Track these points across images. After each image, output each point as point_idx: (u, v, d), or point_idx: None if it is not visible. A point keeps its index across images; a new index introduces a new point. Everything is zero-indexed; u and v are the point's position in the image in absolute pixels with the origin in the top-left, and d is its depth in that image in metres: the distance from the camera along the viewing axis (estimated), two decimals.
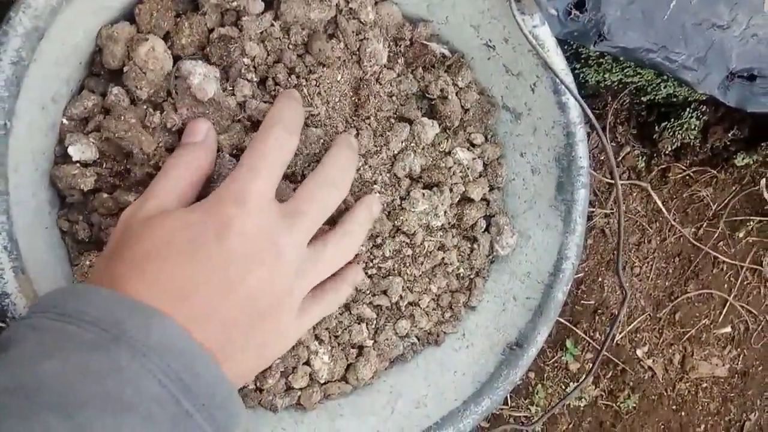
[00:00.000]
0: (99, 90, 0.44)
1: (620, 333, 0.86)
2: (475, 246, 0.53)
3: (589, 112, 0.43)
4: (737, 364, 0.92)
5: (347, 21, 0.47)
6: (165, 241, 0.34)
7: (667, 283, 0.87)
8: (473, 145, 0.53)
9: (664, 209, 0.83)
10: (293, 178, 0.45)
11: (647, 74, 0.70)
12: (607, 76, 0.70)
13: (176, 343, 0.30)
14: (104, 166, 0.43)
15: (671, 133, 0.78)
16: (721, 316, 0.90)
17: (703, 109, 0.75)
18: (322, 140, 0.45)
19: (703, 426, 0.91)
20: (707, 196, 0.86)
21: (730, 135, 0.78)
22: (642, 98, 0.76)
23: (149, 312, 0.31)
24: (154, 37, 0.42)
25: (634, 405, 0.86)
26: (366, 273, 0.49)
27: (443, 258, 0.52)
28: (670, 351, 0.89)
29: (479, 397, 0.50)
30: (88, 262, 0.42)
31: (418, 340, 0.53)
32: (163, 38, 0.43)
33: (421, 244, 0.50)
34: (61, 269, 0.42)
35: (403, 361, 0.53)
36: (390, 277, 0.50)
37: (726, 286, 0.89)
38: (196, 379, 0.30)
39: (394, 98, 0.50)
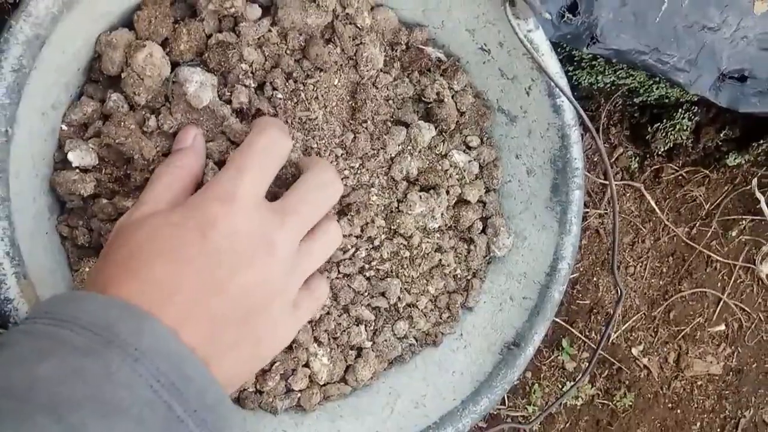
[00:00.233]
0: (98, 96, 0.44)
1: (615, 332, 0.87)
2: (472, 247, 0.54)
3: (583, 114, 0.44)
4: (731, 361, 0.93)
5: (344, 26, 0.47)
6: (148, 240, 0.34)
7: (661, 282, 0.88)
8: (469, 148, 0.53)
9: (657, 209, 0.84)
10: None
11: (640, 76, 0.71)
12: (599, 78, 0.71)
13: (167, 346, 0.30)
14: (104, 171, 0.44)
15: (664, 134, 0.78)
16: (715, 315, 0.91)
17: (695, 110, 0.76)
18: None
19: (698, 423, 0.91)
20: (700, 195, 0.87)
21: (722, 135, 0.79)
22: (635, 100, 0.76)
23: (140, 315, 0.31)
24: (152, 44, 0.42)
25: (630, 403, 0.87)
26: (364, 275, 0.50)
27: (440, 259, 0.52)
28: (665, 349, 0.90)
29: (477, 397, 0.51)
30: (87, 268, 0.43)
31: (417, 341, 0.54)
32: (161, 44, 0.43)
33: (418, 246, 0.51)
34: (61, 274, 0.43)
35: (401, 362, 0.54)
36: (388, 278, 0.51)
37: (719, 284, 0.90)
38: (187, 383, 0.30)
39: (390, 102, 0.50)
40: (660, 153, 0.81)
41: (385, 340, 0.52)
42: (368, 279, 0.50)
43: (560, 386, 0.84)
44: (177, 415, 0.29)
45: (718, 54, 0.67)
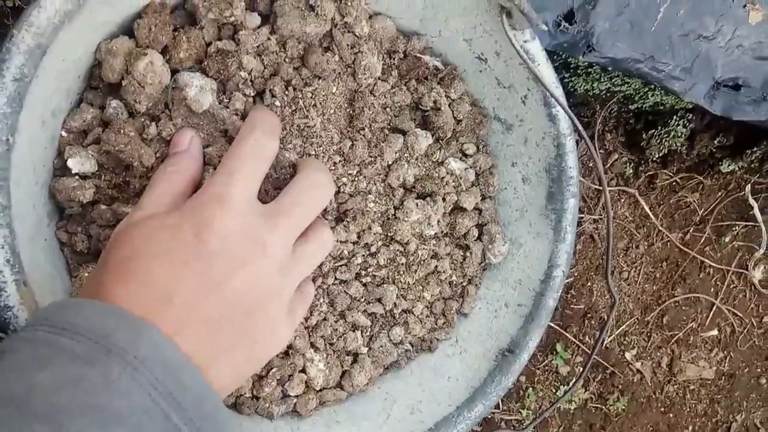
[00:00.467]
0: (97, 103, 0.44)
1: (609, 336, 0.87)
2: (468, 254, 0.54)
3: (578, 124, 0.44)
4: (724, 366, 0.93)
5: (342, 35, 0.48)
6: (144, 243, 0.34)
7: (654, 288, 0.89)
8: (466, 156, 0.54)
9: (651, 215, 0.85)
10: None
11: (635, 83, 0.72)
12: (595, 85, 0.71)
13: (164, 355, 0.30)
14: (103, 178, 0.44)
15: (658, 141, 0.79)
16: (708, 320, 0.91)
17: (690, 117, 0.77)
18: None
19: (690, 427, 0.92)
20: (694, 201, 0.87)
21: (716, 142, 0.80)
22: (630, 106, 0.77)
23: (137, 323, 0.31)
24: (153, 52, 0.42)
25: (623, 407, 0.88)
26: (361, 281, 0.50)
27: (436, 266, 0.53)
28: (659, 354, 0.90)
29: (472, 403, 0.51)
30: (86, 274, 0.43)
31: (412, 346, 0.54)
32: (161, 52, 0.44)
33: (414, 252, 0.51)
34: (60, 280, 0.43)
35: (397, 367, 0.54)
36: (384, 285, 0.51)
37: (712, 289, 0.91)
38: (184, 392, 0.30)
39: (388, 110, 0.51)
40: (655, 159, 0.82)
41: (381, 346, 0.52)
42: (365, 285, 0.51)
43: (554, 390, 0.85)
44: (174, 423, 0.29)
45: (713, 62, 0.67)
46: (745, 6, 0.66)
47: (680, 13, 0.64)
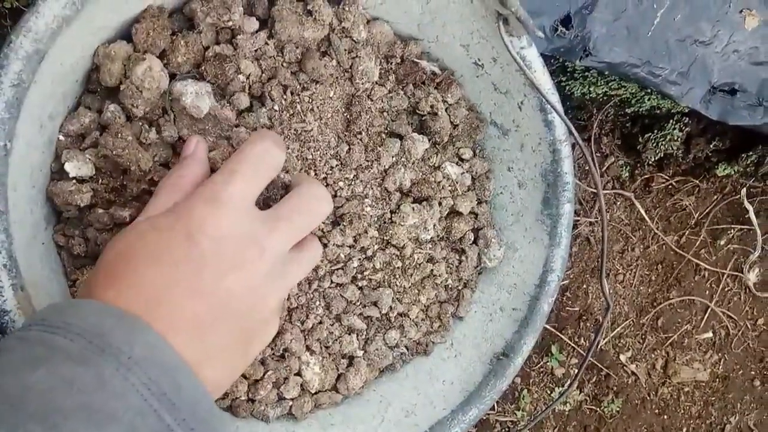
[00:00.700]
0: (95, 107, 0.44)
1: (604, 339, 0.88)
2: (464, 258, 0.54)
3: (574, 131, 0.45)
4: (718, 368, 0.94)
5: (340, 39, 0.48)
6: (135, 245, 0.34)
7: (650, 290, 0.89)
8: (462, 160, 0.54)
9: (647, 218, 0.85)
10: None
11: (631, 87, 0.72)
12: (592, 89, 0.72)
13: (159, 355, 0.30)
14: (100, 182, 0.44)
15: (655, 144, 0.79)
16: (703, 322, 0.92)
17: (686, 121, 0.77)
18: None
19: (685, 429, 0.93)
20: (689, 205, 0.88)
21: (711, 146, 0.80)
22: (626, 110, 0.77)
23: (132, 322, 0.31)
24: (151, 56, 0.43)
25: (618, 409, 0.88)
26: (357, 285, 0.51)
27: (432, 270, 0.53)
28: (653, 356, 0.91)
29: (467, 406, 0.51)
30: (83, 277, 0.43)
31: (408, 350, 0.54)
32: (159, 56, 0.44)
33: (410, 256, 0.52)
34: (57, 284, 0.43)
35: (392, 370, 0.54)
36: (380, 288, 0.51)
37: (707, 292, 0.91)
38: (178, 392, 0.30)
39: (385, 114, 0.51)
40: (651, 163, 0.82)
41: (377, 349, 0.52)
42: (360, 288, 0.51)
43: (549, 392, 0.85)
44: (167, 424, 0.29)
45: (709, 67, 0.68)
46: (741, 11, 0.66)
47: (677, 18, 0.65)
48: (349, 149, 0.49)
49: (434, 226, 0.52)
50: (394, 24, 0.50)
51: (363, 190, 0.50)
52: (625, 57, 0.64)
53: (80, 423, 0.27)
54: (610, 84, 0.71)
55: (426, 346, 0.55)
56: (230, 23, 0.45)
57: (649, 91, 0.72)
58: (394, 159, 0.51)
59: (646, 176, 0.85)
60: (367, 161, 0.50)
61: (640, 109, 0.76)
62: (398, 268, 0.52)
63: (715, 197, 0.88)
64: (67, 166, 0.42)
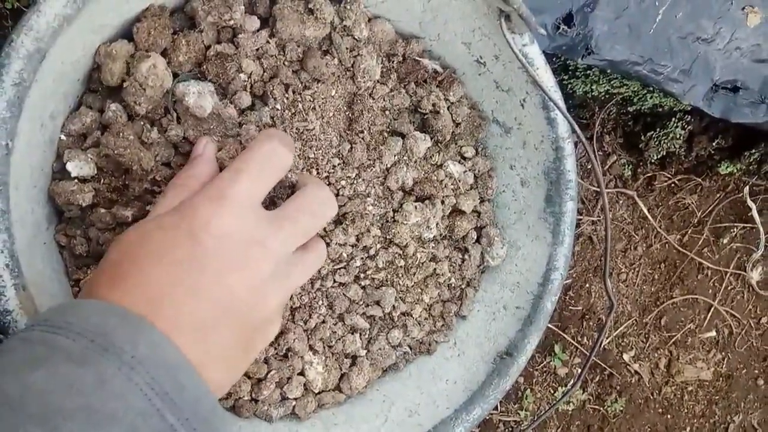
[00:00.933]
0: (96, 106, 0.44)
1: (607, 338, 0.87)
2: (466, 257, 0.54)
3: (577, 129, 0.45)
4: (722, 367, 0.93)
5: (341, 38, 0.48)
6: (139, 243, 0.34)
7: (653, 289, 0.89)
8: (464, 158, 0.54)
9: (650, 216, 0.85)
10: None
11: (634, 85, 0.72)
12: (594, 87, 0.71)
13: (162, 354, 0.30)
14: (102, 181, 0.44)
15: (657, 142, 0.79)
16: (706, 321, 0.91)
17: (688, 119, 0.77)
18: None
19: (688, 429, 0.92)
20: (692, 203, 0.87)
21: (714, 144, 0.80)
22: (628, 108, 0.77)
23: (136, 321, 0.30)
24: (156, 55, 0.42)
25: (621, 409, 0.88)
26: (359, 284, 0.50)
27: (435, 269, 0.53)
28: (656, 355, 0.91)
29: (470, 406, 0.51)
30: (88, 277, 0.43)
31: (411, 349, 0.54)
32: (160, 55, 0.44)
33: (413, 255, 0.51)
34: (59, 284, 0.43)
35: (395, 370, 0.54)
36: (383, 287, 0.51)
37: (710, 291, 0.91)
38: (181, 392, 0.30)
39: (387, 113, 0.51)
40: (653, 161, 0.82)
41: (380, 349, 0.52)
42: (363, 288, 0.51)
43: (552, 391, 0.85)
44: (170, 424, 0.29)
45: (712, 65, 0.68)
46: (743, 9, 0.66)
47: (679, 16, 0.65)
48: (351, 148, 0.49)
49: (437, 224, 0.52)
50: (395, 22, 0.50)
51: (365, 189, 0.49)
52: (627, 55, 0.64)
53: (80, 424, 0.26)
54: (612, 82, 0.71)
55: (429, 346, 0.55)
56: (231, 22, 0.45)
57: (651, 89, 0.72)
58: (396, 158, 0.51)
59: (648, 175, 0.85)
60: (369, 160, 0.50)
61: (643, 108, 0.76)
62: (401, 267, 0.51)
63: (718, 195, 0.88)
64: (69, 166, 0.42)
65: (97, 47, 0.42)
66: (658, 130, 0.78)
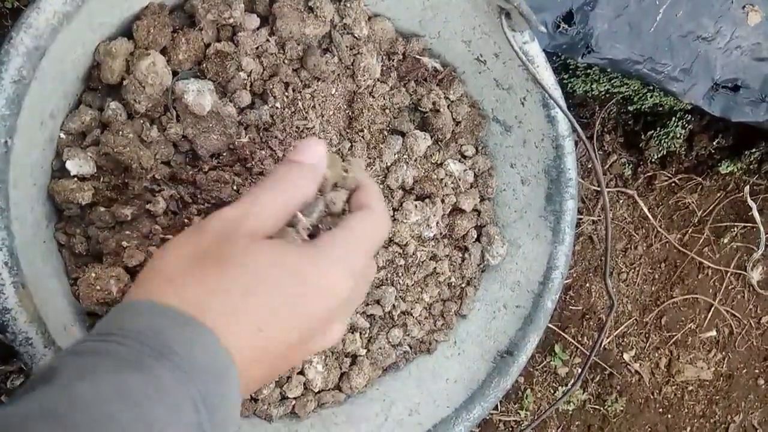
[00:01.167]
0: (96, 104, 0.44)
1: (607, 338, 0.87)
2: (467, 255, 0.54)
3: (578, 127, 0.44)
4: (722, 367, 0.93)
5: (341, 36, 0.48)
6: (261, 277, 0.31)
7: (653, 288, 0.89)
8: (464, 157, 0.54)
9: (650, 216, 0.85)
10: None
11: (634, 84, 0.72)
12: (594, 86, 0.71)
13: (218, 365, 0.28)
14: (102, 180, 0.44)
15: (657, 142, 0.79)
16: (707, 320, 0.91)
17: (689, 118, 0.77)
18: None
19: (689, 428, 0.92)
20: (692, 202, 0.87)
21: (714, 143, 0.80)
22: (629, 107, 0.77)
23: (195, 327, 0.28)
24: (156, 53, 0.42)
25: (622, 408, 0.88)
26: None
27: (435, 268, 0.53)
28: (657, 355, 0.90)
29: (471, 405, 0.51)
30: (93, 275, 0.42)
31: (411, 348, 0.54)
32: (160, 53, 0.44)
33: (413, 254, 0.51)
34: (58, 282, 0.43)
35: (395, 369, 0.54)
36: (383, 287, 0.51)
37: (711, 290, 0.91)
38: (223, 401, 0.28)
39: (387, 111, 0.51)
40: (653, 160, 0.82)
41: (380, 348, 0.52)
42: None
43: (552, 391, 0.85)
44: (204, 430, 0.27)
45: (712, 63, 0.67)
46: (744, 7, 0.66)
47: (679, 15, 0.64)
48: (351, 146, 0.49)
49: (437, 223, 0.52)
50: (395, 20, 0.50)
51: None
52: (627, 53, 0.63)
53: None
54: (612, 81, 0.71)
55: (429, 345, 0.54)
56: (231, 20, 0.44)
57: (651, 88, 0.72)
58: (396, 156, 0.51)
59: (648, 174, 0.85)
60: (370, 158, 0.50)
61: (643, 107, 0.76)
62: (401, 266, 0.51)
63: (719, 195, 0.88)
64: (69, 164, 0.42)
65: (97, 45, 0.42)
66: (658, 129, 0.78)
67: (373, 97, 0.50)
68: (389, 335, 0.52)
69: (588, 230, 0.84)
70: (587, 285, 0.85)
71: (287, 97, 0.46)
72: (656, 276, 0.89)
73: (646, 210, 0.84)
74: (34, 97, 0.37)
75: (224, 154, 0.46)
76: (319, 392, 0.51)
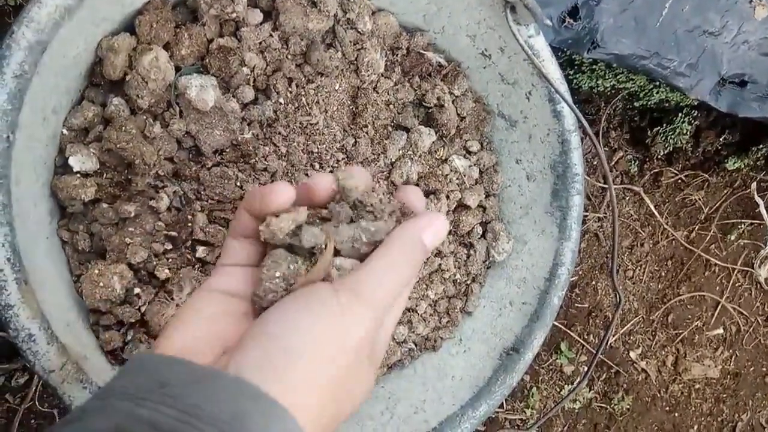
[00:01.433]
0: (99, 100, 0.44)
1: (614, 335, 0.87)
2: (472, 252, 0.54)
3: (584, 121, 0.44)
4: (729, 365, 0.93)
5: (345, 31, 0.47)
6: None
7: (659, 286, 0.88)
8: (469, 153, 0.53)
9: (656, 213, 0.84)
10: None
11: (640, 80, 0.71)
12: (600, 82, 0.71)
13: None
14: (105, 176, 0.43)
15: (663, 138, 0.78)
16: (713, 318, 0.91)
17: (695, 114, 0.76)
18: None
19: (696, 427, 0.92)
20: (699, 199, 0.87)
21: (721, 139, 0.79)
22: (635, 103, 0.76)
23: (276, 410, 0.26)
24: (158, 48, 0.42)
25: (628, 407, 0.87)
26: None
27: (440, 264, 0.52)
28: (663, 353, 0.90)
29: (477, 402, 0.51)
30: (97, 271, 0.42)
31: (416, 345, 0.54)
32: (163, 49, 0.43)
33: None
34: (61, 279, 0.43)
35: (400, 366, 0.54)
36: None
37: (718, 288, 0.90)
38: None
39: (391, 107, 0.50)
40: (660, 157, 0.81)
41: None
42: None
43: (558, 390, 0.85)
44: None
45: (719, 58, 0.67)
46: (751, 1, 0.66)
47: (685, 9, 0.64)
48: (356, 142, 0.49)
49: None
50: (399, 15, 0.50)
51: None
52: (633, 48, 0.63)
53: None
54: (618, 77, 0.71)
55: (434, 342, 0.54)
56: (234, 15, 0.44)
57: (657, 83, 0.71)
58: (400, 152, 0.50)
59: (655, 171, 0.84)
60: (374, 154, 0.50)
61: (649, 103, 0.75)
62: None
63: (725, 191, 0.87)
64: (71, 160, 0.42)
65: (99, 40, 0.42)
66: (664, 125, 0.78)
67: (377, 92, 0.49)
68: (394, 332, 0.52)
69: (594, 227, 0.83)
70: (593, 282, 0.85)
71: (290, 92, 0.46)
72: (663, 273, 0.88)
73: (652, 207, 0.83)
74: (35, 92, 0.37)
75: (227, 150, 0.46)
76: None
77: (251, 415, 0.25)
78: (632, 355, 0.88)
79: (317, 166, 0.48)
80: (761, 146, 0.79)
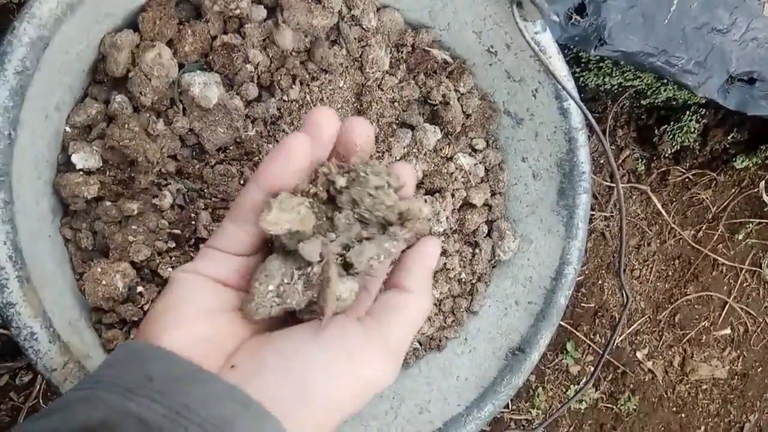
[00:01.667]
0: (102, 98, 0.44)
1: (620, 336, 0.86)
2: (477, 251, 0.53)
3: (591, 118, 0.44)
4: (737, 365, 0.92)
5: (349, 28, 0.47)
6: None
7: (666, 286, 0.87)
8: (475, 151, 0.53)
9: (663, 212, 0.83)
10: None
11: (647, 78, 0.70)
12: (607, 79, 0.70)
13: None
14: (107, 174, 0.43)
15: (671, 136, 0.78)
16: (721, 318, 0.90)
17: (703, 113, 0.75)
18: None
19: (703, 428, 0.91)
20: (707, 198, 0.86)
21: (729, 138, 0.78)
22: (642, 102, 0.76)
23: (267, 419, 0.26)
24: (161, 45, 0.42)
25: (635, 407, 0.87)
26: None
27: (445, 263, 0.52)
28: (670, 353, 0.89)
29: (482, 402, 0.50)
30: (99, 269, 0.42)
31: (421, 345, 0.53)
32: (166, 45, 0.43)
33: None
34: (63, 277, 0.42)
35: (405, 366, 0.53)
36: None
37: (725, 288, 0.89)
38: None
39: (396, 104, 0.50)
40: (667, 155, 0.81)
41: None
42: None
43: (564, 390, 0.84)
44: None
45: (727, 56, 0.66)
46: None
47: (694, 6, 0.63)
48: None
49: (447, 218, 0.51)
50: (404, 11, 0.49)
51: None
52: (640, 46, 0.62)
53: None
54: (625, 75, 0.70)
55: (439, 342, 0.54)
56: (238, 11, 0.44)
57: (665, 81, 0.71)
58: (405, 150, 0.50)
59: (662, 169, 0.83)
60: (378, 152, 0.49)
61: (656, 101, 0.74)
62: None
63: (733, 190, 0.87)
64: (74, 158, 0.41)
65: (102, 37, 0.42)
66: (672, 123, 0.77)
67: (382, 89, 0.49)
68: None
69: (600, 226, 0.82)
70: (599, 282, 0.84)
71: (294, 89, 0.46)
72: (670, 273, 0.87)
73: (659, 206, 0.83)
74: (38, 89, 0.37)
75: (231, 147, 0.46)
76: None
77: (242, 420, 0.25)
78: (639, 355, 0.88)
79: None
80: None
